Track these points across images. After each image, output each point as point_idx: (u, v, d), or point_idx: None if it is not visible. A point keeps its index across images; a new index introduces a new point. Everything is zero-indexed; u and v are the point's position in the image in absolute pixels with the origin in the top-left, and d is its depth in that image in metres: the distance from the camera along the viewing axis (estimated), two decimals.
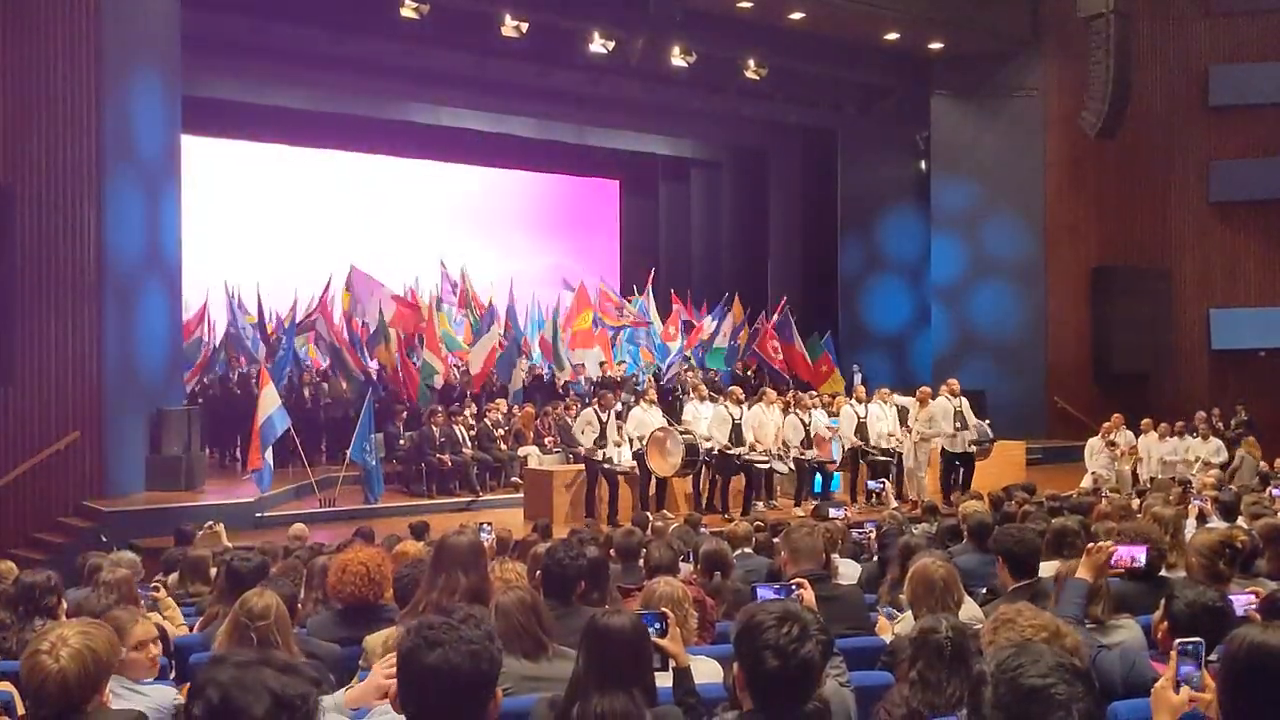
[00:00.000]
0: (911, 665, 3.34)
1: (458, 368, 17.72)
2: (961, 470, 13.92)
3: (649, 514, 11.96)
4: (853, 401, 14.50)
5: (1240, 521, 7.20)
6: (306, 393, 16.39)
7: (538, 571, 4.89)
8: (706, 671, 3.92)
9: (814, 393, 15.66)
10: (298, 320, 17.79)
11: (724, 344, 18.97)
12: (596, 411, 13.13)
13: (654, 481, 12.89)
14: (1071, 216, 20.52)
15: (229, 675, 1.95)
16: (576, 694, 3.09)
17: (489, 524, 8.37)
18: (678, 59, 18.40)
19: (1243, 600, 4.07)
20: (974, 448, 13.91)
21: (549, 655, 3.78)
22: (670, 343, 19.29)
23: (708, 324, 19.53)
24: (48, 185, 12.56)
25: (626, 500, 12.93)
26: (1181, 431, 15.18)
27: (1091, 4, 18.20)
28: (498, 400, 16.07)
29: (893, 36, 19.36)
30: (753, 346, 19.57)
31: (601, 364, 18.26)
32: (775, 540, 7.40)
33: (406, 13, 15.99)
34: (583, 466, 13.02)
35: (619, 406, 15.16)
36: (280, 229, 20.62)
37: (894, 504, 13.10)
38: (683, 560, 6.56)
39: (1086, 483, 13.75)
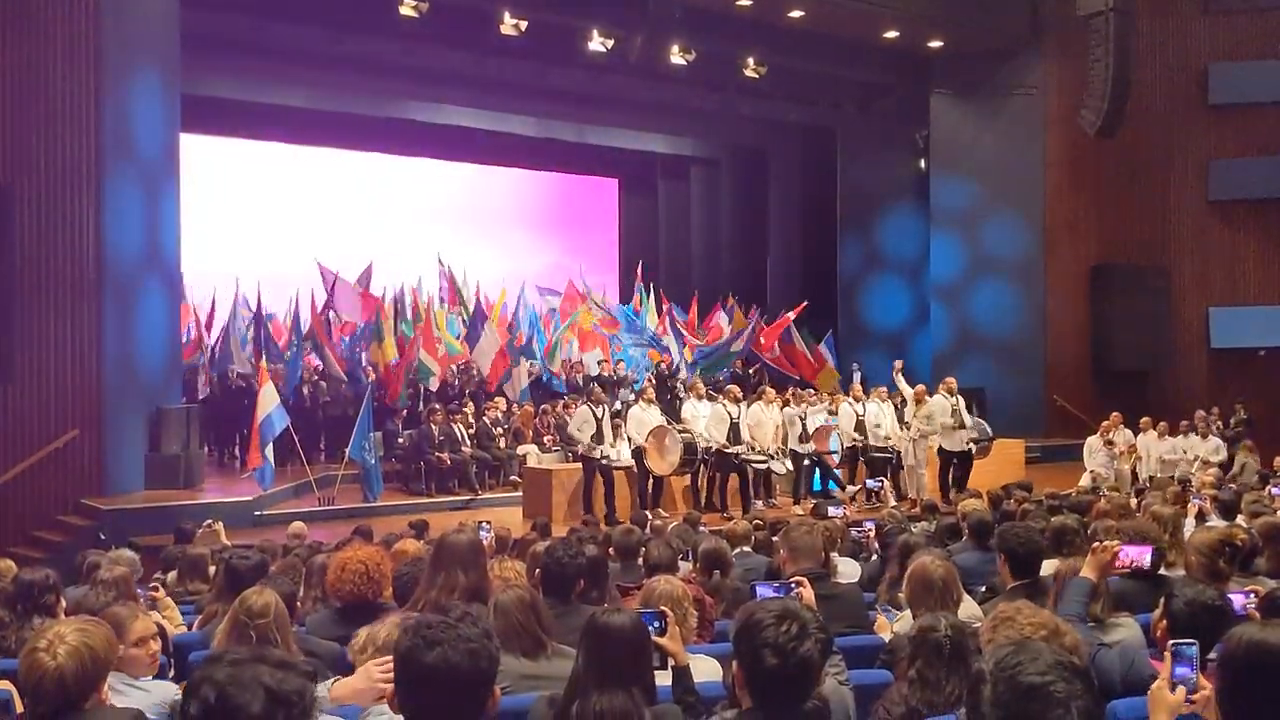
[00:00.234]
0: (910, 664, 3.34)
1: (455, 367, 17.71)
2: (959, 468, 13.92)
3: (648, 512, 11.97)
4: (851, 400, 14.50)
5: (1239, 520, 7.20)
6: (305, 391, 16.40)
7: (537, 570, 4.89)
8: (706, 670, 3.92)
9: (813, 391, 15.65)
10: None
11: (739, 347, 18.90)
12: (592, 409, 13.12)
13: (652, 480, 12.89)
14: (1071, 215, 20.52)
15: (224, 673, 1.95)
16: (576, 692, 3.08)
17: (488, 522, 8.36)
18: (677, 57, 18.40)
19: (1242, 599, 4.07)
20: (972, 446, 13.92)
21: (548, 654, 3.78)
22: (664, 337, 19.22)
23: (722, 328, 19.45)
24: (47, 184, 12.55)
25: (625, 499, 12.93)
26: (1185, 430, 15.18)
27: (1091, 2, 18.20)
28: (497, 399, 16.07)
29: (892, 35, 19.34)
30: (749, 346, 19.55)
31: (600, 363, 18.26)
32: (774, 539, 7.40)
33: (406, 11, 15.99)
34: (581, 465, 13.03)
35: (618, 405, 15.19)
36: (280, 227, 20.63)
37: (893, 502, 13.10)
38: (682, 559, 6.56)
39: (1085, 481, 13.75)
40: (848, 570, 7.06)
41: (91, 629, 3.09)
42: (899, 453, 14.13)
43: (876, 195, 22.52)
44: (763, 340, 18.53)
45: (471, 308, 18.24)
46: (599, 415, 12.98)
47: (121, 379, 13.01)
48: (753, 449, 13.16)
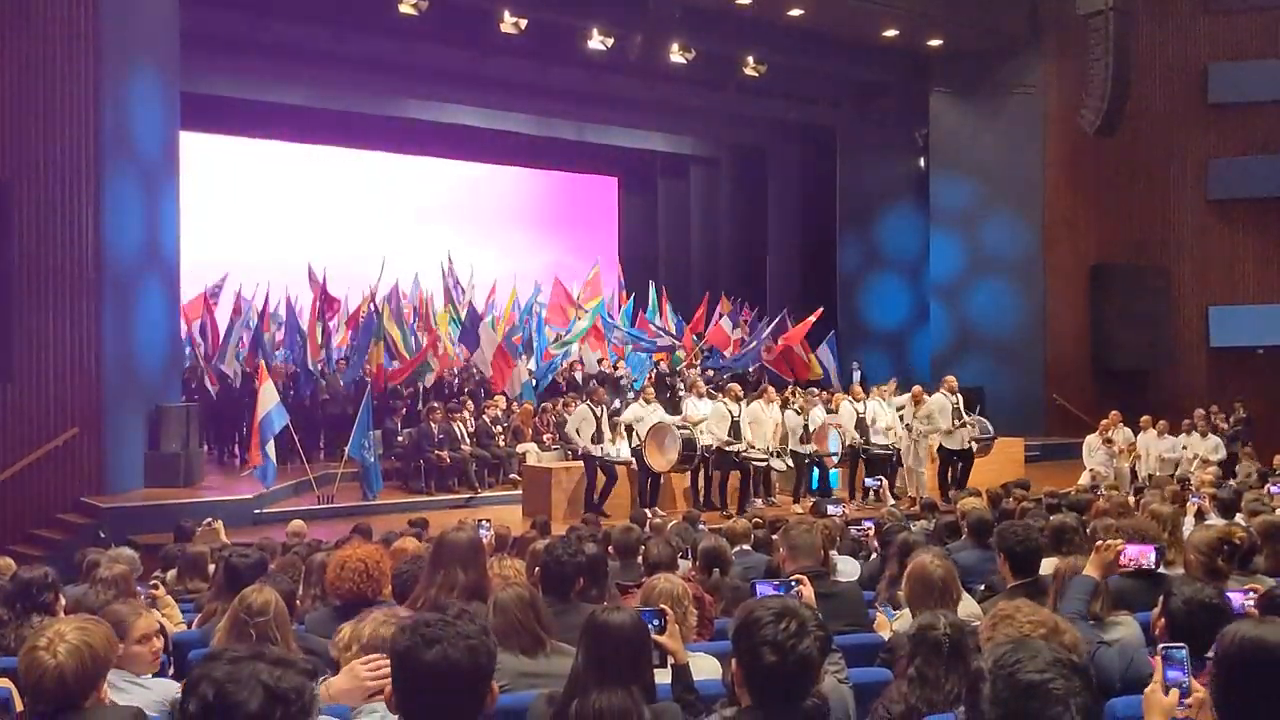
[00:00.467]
0: (909, 662, 3.34)
1: (453, 366, 17.74)
2: (960, 467, 13.93)
3: (647, 510, 11.98)
4: (851, 399, 14.49)
5: (1238, 518, 7.21)
6: (305, 389, 16.40)
7: (536, 568, 4.89)
8: (705, 668, 3.92)
9: (814, 390, 15.65)
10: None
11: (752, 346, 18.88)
12: (591, 408, 13.14)
13: (651, 478, 12.90)
14: (1070, 214, 20.53)
15: (222, 671, 1.95)
16: (575, 690, 3.08)
17: (487, 521, 8.37)
18: (676, 56, 18.40)
19: (1241, 597, 4.07)
20: (974, 444, 13.92)
21: (547, 652, 3.78)
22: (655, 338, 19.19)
23: (726, 332, 19.43)
24: (47, 182, 12.54)
25: (624, 497, 12.94)
26: (1185, 429, 15.19)
27: (1091, 2, 18.20)
28: (496, 397, 16.07)
29: (892, 34, 19.34)
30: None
31: (600, 361, 18.27)
32: (773, 537, 7.40)
33: (405, 9, 15.98)
34: (581, 463, 13.04)
35: (616, 403, 15.20)
36: (279, 226, 20.62)
37: (891, 501, 13.10)
38: (681, 557, 6.56)
39: (1085, 480, 13.76)
40: (847, 569, 7.06)
41: (91, 627, 3.09)
42: (899, 451, 14.13)
43: (876, 194, 22.52)
44: (780, 342, 18.58)
45: (464, 311, 18.19)
46: (598, 414, 12.99)
47: (121, 377, 13.01)
48: (752, 447, 13.16)
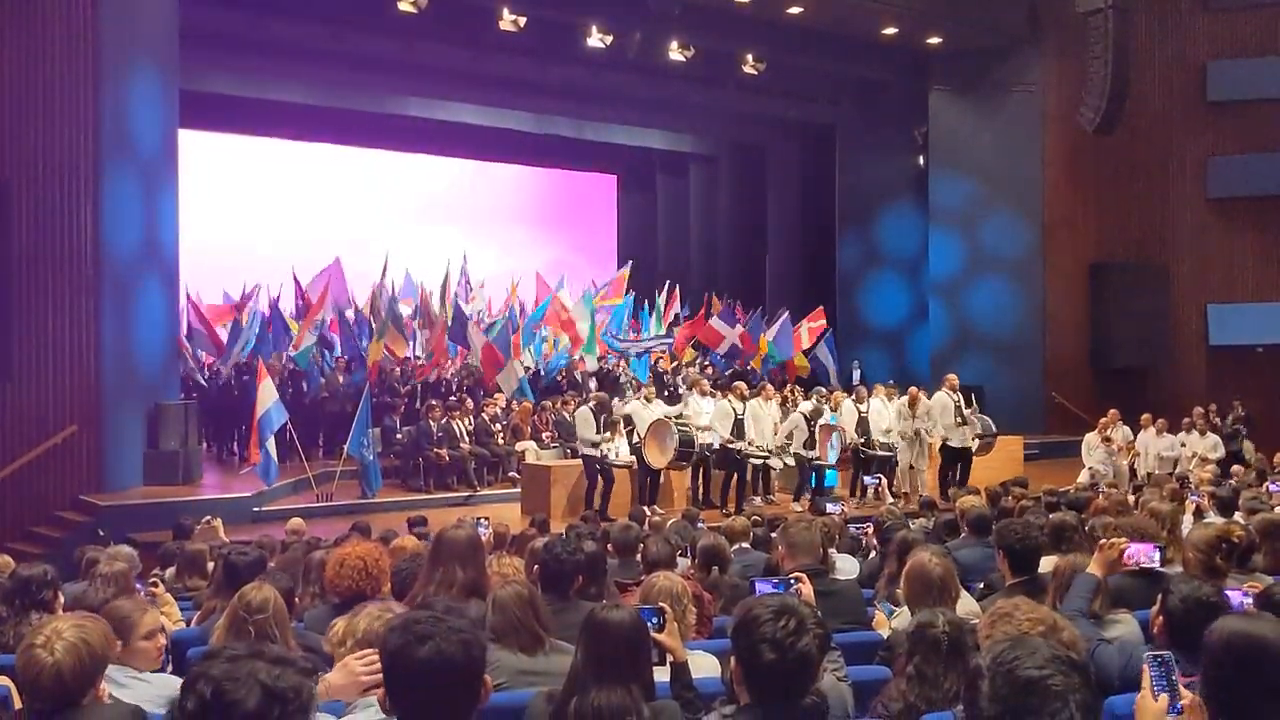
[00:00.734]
0: (908, 660, 3.33)
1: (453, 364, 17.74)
2: (960, 465, 13.92)
3: (646, 508, 11.98)
4: (854, 399, 14.48)
5: (1237, 516, 7.21)
6: (304, 386, 16.39)
7: (535, 566, 4.88)
8: (704, 666, 3.92)
9: (820, 389, 15.65)
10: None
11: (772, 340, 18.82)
12: (592, 408, 13.17)
13: (650, 476, 12.91)
14: (1069, 212, 20.53)
15: (220, 669, 1.95)
16: (574, 688, 3.09)
17: (486, 519, 8.38)
18: (676, 53, 18.40)
19: (1239, 595, 4.07)
20: (977, 442, 13.93)
21: (546, 649, 3.78)
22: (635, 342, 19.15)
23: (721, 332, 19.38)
24: (46, 180, 12.54)
25: (624, 495, 12.95)
26: (1185, 427, 15.20)
27: (1090, 0, 18.19)
28: (496, 395, 16.06)
29: (891, 31, 19.34)
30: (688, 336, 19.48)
31: (600, 359, 18.25)
32: (773, 535, 7.40)
33: (404, 7, 15.98)
34: (580, 462, 13.05)
35: (615, 402, 15.21)
36: (278, 223, 20.62)
37: (890, 499, 13.11)
38: (680, 555, 6.56)
39: (1084, 478, 13.76)
40: (846, 567, 7.06)
41: (89, 625, 3.09)
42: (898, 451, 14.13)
43: (875, 192, 22.50)
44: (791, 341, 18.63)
45: (451, 311, 18.16)
46: (598, 414, 13.02)
47: (120, 375, 13.00)
48: (753, 444, 13.18)
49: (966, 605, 4.60)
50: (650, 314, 20.34)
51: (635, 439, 13.04)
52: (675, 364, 18.81)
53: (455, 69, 18.69)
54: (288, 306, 18.21)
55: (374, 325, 17.19)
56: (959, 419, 13.80)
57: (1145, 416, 15.39)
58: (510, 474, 14.89)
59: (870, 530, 8.20)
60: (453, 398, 15.67)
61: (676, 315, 20.65)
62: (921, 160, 21.95)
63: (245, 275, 18.29)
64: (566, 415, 14.71)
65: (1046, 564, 5.06)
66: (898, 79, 21.18)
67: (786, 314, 19.11)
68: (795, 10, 18.06)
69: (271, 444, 12.75)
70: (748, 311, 20.31)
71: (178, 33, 14.15)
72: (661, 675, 3.45)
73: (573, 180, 25.50)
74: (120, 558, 6.54)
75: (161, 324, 13.90)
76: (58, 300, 12.59)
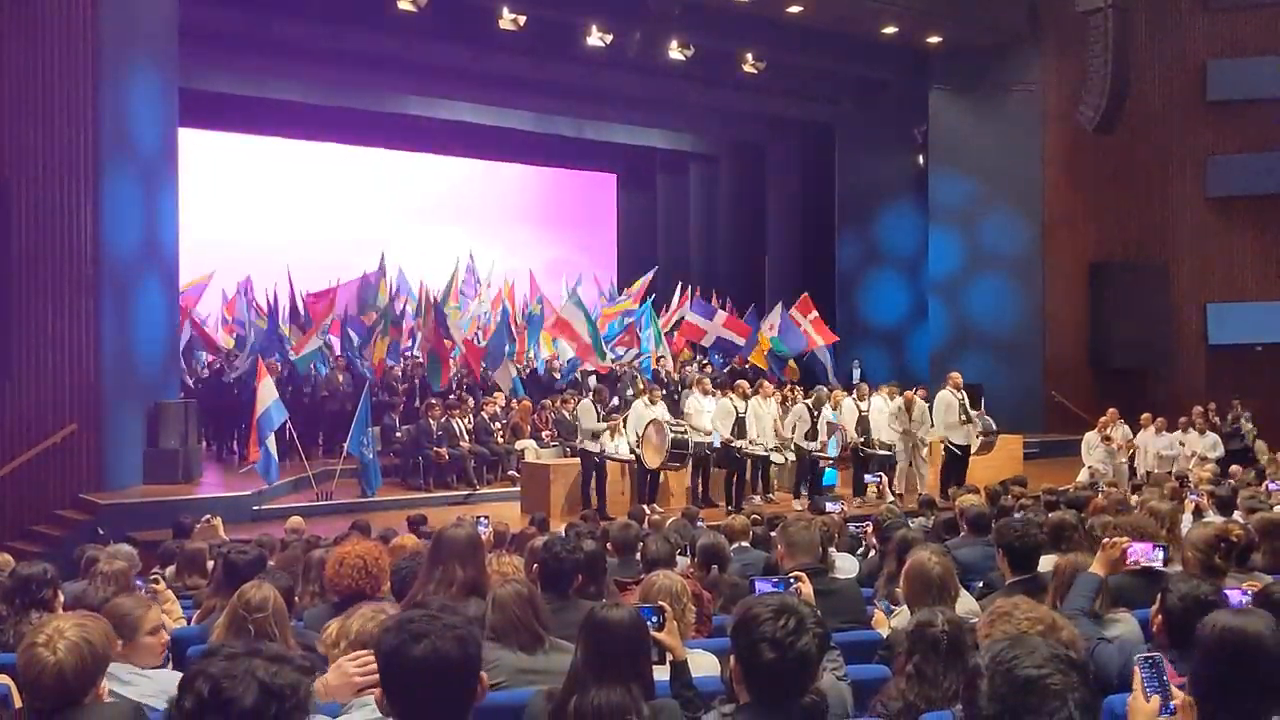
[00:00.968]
0: (907, 659, 3.34)
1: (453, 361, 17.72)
2: (962, 464, 13.90)
3: (645, 507, 11.98)
4: (855, 397, 14.48)
5: (1236, 515, 7.21)
6: (305, 385, 16.39)
7: (535, 565, 4.89)
8: (704, 665, 3.92)
9: (822, 387, 15.65)
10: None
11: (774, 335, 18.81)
12: (594, 404, 13.18)
13: (650, 475, 12.93)
14: (1069, 211, 20.52)
15: (218, 667, 1.96)
16: (574, 687, 3.09)
17: (486, 517, 8.39)
18: (676, 52, 18.39)
19: (1239, 594, 4.07)
20: (980, 439, 13.93)
21: (546, 648, 3.79)
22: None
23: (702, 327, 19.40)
24: (45, 179, 12.54)
25: (624, 494, 12.96)
26: (1183, 426, 15.20)
27: None
28: (495, 394, 16.07)
29: (891, 30, 19.33)
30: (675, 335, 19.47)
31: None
32: (772, 534, 7.40)
33: (404, 6, 15.98)
34: (579, 460, 13.07)
35: (616, 401, 15.22)
36: (278, 223, 20.61)
37: (891, 498, 13.12)
38: (680, 554, 6.56)
39: (1083, 477, 13.77)
40: (845, 565, 7.07)
41: (91, 624, 3.09)
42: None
43: (875, 191, 22.49)
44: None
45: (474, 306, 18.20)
46: (599, 411, 13.05)
47: (120, 374, 13.00)
48: (753, 443, 13.20)
49: (966, 604, 4.60)
50: (649, 325, 20.17)
51: (634, 437, 13.05)
52: (676, 364, 18.82)
53: (455, 68, 18.67)
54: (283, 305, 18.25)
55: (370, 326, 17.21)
56: (963, 417, 13.79)
57: (1145, 416, 15.40)
58: (510, 472, 14.89)
59: (870, 529, 8.21)
60: (452, 396, 15.67)
61: (680, 319, 20.56)
62: (921, 159, 21.94)
63: (245, 275, 18.29)
64: (566, 414, 14.72)
65: (1046, 563, 5.07)
66: (897, 78, 21.17)
67: (781, 305, 19.10)
68: (795, 9, 18.05)
69: (272, 442, 12.76)
70: (743, 309, 20.32)
71: (177, 32, 14.14)
72: (661, 674, 3.46)
73: (572, 179, 25.49)
74: (120, 556, 6.55)
75: (161, 323, 13.90)
76: (57, 299, 12.59)
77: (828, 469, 14.04)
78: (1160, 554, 4.59)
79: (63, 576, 5.50)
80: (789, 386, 16.37)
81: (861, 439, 13.93)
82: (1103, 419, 14.96)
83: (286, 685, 1.96)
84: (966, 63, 20.40)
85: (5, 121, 12.40)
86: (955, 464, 13.91)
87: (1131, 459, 14.89)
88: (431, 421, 14.40)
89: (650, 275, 20.13)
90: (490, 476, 14.87)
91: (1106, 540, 4.39)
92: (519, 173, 24.24)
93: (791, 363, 18.99)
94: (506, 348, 16.97)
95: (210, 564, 6.93)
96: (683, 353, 19.51)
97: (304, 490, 13.83)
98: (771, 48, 19.21)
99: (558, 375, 17.81)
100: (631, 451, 13.00)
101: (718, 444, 13.15)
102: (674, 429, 12.85)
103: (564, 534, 5.59)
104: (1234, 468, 13.28)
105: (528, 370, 18.08)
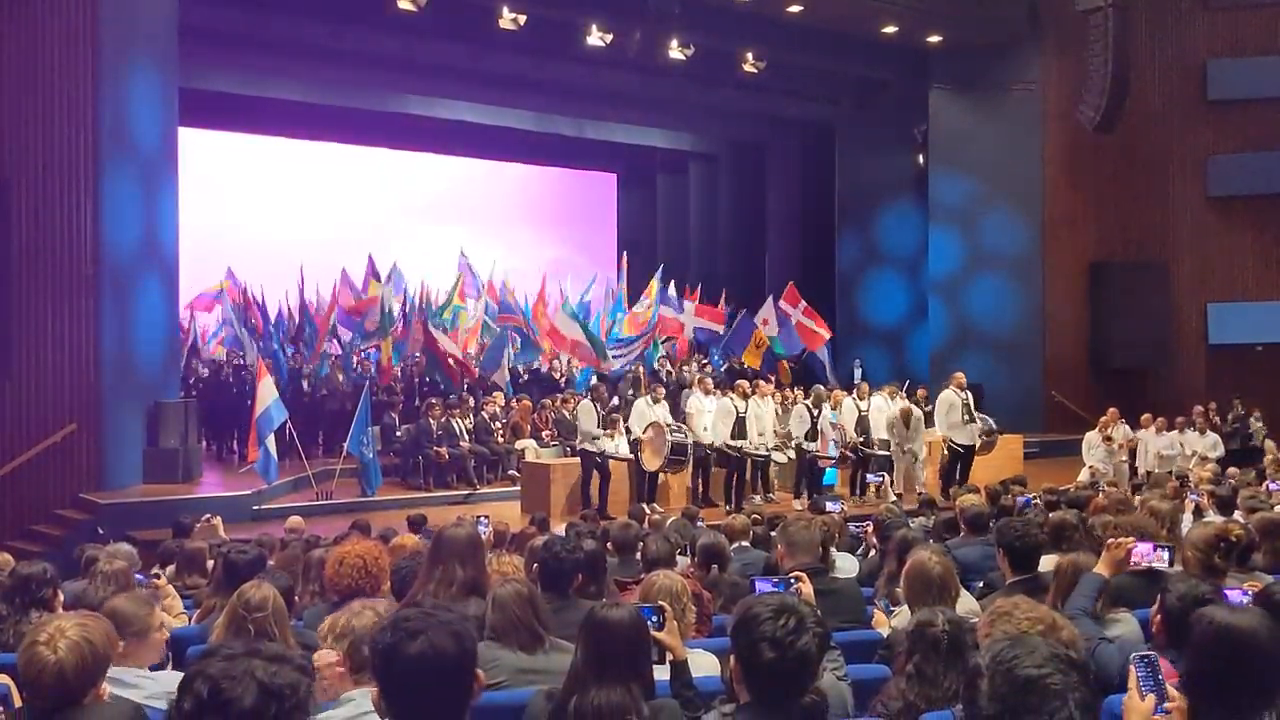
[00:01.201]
0: (908, 659, 3.34)
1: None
2: (962, 463, 13.90)
3: (646, 507, 11.98)
4: (854, 397, 14.47)
5: (1237, 515, 7.21)
6: (304, 385, 16.40)
7: (535, 564, 4.89)
8: (704, 665, 3.92)
9: (820, 387, 15.65)
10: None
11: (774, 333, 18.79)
12: (593, 404, 13.18)
13: (649, 475, 12.93)
14: (1069, 211, 20.53)
15: (217, 667, 1.96)
16: (574, 687, 3.09)
17: (486, 517, 8.39)
18: (675, 52, 18.39)
19: (1239, 594, 4.07)
20: (981, 439, 13.93)
21: (546, 648, 3.78)
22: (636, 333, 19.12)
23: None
24: (45, 178, 12.54)
25: (623, 494, 12.96)
26: (1180, 426, 15.20)
27: None
28: (495, 394, 16.07)
29: (891, 30, 19.34)
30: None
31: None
32: (772, 534, 7.40)
33: (404, 5, 15.98)
34: (579, 460, 13.06)
35: (616, 400, 15.21)
36: (277, 222, 20.61)
37: (893, 497, 13.12)
38: (680, 554, 6.56)
39: (1084, 476, 13.76)
40: (845, 565, 7.06)
41: (92, 624, 3.09)
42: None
43: (875, 190, 22.51)
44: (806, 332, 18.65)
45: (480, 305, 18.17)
46: (599, 410, 13.05)
47: (119, 373, 13.00)
48: (753, 443, 13.21)
49: (966, 604, 4.60)
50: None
51: (634, 436, 13.06)
52: (675, 364, 18.82)
53: (455, 67, 18.66)
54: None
55: (367, 325, 17.22)
56: (965, 417, 13.78)
57: (1145, 417, 15.39)
58: (510, 472, 14.89)
59: (870, 529, 8.20)
60: (452, 396, 15.67)
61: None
62: (921, 159, 21.95)
63: (245, 274, 18.29)
64: (566, 414, 14.72)
65: (1047, 563, 5.06)
66: (897, 77, 21.18)
67: (772, 299, 19.09)
68: (795, 9, 18.06)
69: (271, 442, 12.76)
70: (740, 310, 20.29)
71: (177, 31, 14.14)
72: (661, 674, 3.45)
73: (572, 179, 25.48)
74: (120, 556, 6.54)
75: (161, 322, 13.90)
76: (57, 298, 12.59)
77: (828, 469, 14.03)
78: (1166, 555, 4.58)
79: (63, 576, 5.50)
80: (789, 387, 16.36)
81: (861, 439, 13.93)
82: (1103, 419, 14.95)
83: (286, 685, 1.96)
84: (966, 62, 20.40)
85: (5, 121, 12.40)
86: (958, 463, 13.90)
87: (1133, 457, 14.88)
88: (431, 421, 14.40)
89: (655, 279, 20.03)
90: (490, 476, 14.87)
91: (1111, 540, 4.39)
92: (519, 172, 24.24)
93: (784, 364, 18.98)
94: (507, 350, 16.99)
95: (210, 563, 6.92)
96: (682, 352, 19.47)
97: (304, 490, 13.82)
98: (771, 48, 19.21)
99: (560, 376, 17.79)
100: (631, 450, 13.00)
101: (718, 444, 13.14)
102: (674, 432, 12.85)
103: (564, 534, 5.58)
104: (1231, 469, 13.24)
105: (530, 369, 18.07)
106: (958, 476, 13.72)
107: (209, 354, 18.33)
